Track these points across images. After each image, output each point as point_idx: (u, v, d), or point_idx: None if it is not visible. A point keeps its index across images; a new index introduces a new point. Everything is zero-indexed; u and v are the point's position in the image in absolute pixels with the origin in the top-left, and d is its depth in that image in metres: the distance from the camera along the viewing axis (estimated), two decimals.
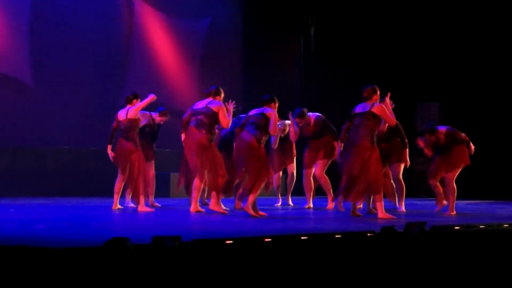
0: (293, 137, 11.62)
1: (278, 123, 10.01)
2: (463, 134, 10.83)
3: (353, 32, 16.57)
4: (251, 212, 9.37)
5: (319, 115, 11.61)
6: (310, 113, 11.61)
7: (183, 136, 10.11)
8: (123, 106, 10.66)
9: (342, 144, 9.74)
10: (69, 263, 4.76)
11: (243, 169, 9.63)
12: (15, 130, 13.89)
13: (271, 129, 9.51)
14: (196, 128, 9.89)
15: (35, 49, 14.11)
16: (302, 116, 11.44)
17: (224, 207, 10.14)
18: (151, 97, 10.52)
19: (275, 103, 9.69)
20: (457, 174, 10.77)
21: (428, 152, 10.91)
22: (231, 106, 10.08)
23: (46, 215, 9.66)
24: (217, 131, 10.29)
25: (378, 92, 9.66)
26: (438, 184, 10.94)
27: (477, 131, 15.38)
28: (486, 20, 15.89)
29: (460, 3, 16.09)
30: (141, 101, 10.55)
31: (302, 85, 15.89)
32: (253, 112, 9.68)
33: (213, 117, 9.89)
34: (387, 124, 9.95)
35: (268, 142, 10.33)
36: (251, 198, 9.38)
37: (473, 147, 10.79)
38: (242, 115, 10.53)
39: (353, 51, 16.41)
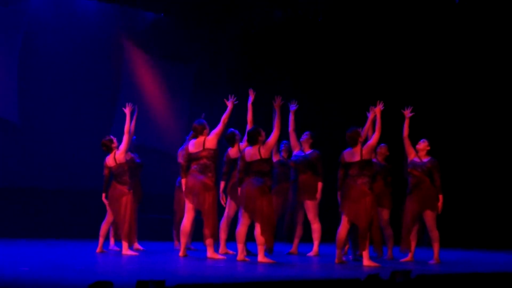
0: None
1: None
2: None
3: (340, 74, 16.80)
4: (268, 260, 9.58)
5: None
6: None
7: (183, 181, 10.10)
8: (105, 153, 10.65)
9: (340, 193, 9.80)
10: None
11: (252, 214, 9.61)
12: (1, 169, 13.86)
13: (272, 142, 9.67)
14: (201, 173, 9.92)
15: (23, 88, 14.14)
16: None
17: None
18: (126, 136, 10.55)
19: (260, 135, 9.72)
20: (433, 218, 10.63)
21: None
22: (231, 103, 10.14)
23: (30, 256, 9.60)
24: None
25: (361, 133, 9.78)
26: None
27: (458, 177, 15.53)
28: (466, 64, 16.06)
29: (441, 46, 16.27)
30: (118, 143, 10.61)
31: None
32: (248, 151, 9.65)
33: (215, 157, 10.01)
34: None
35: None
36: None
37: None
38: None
39: (341, 90, 16.64)
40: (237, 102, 10.26)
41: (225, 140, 10.74)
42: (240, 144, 10.62)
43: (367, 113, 10.21)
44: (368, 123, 10.22)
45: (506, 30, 15.54)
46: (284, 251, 11.67)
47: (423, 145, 10.73)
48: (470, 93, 16.06)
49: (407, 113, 10.69)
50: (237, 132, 10.77)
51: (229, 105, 10.17)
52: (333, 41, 16.91)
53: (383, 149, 11.26)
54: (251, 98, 10.57)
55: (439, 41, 16.22)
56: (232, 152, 10.75)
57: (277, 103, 9.90)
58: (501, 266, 10.27)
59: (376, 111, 9.97)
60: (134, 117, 10.91)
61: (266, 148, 9.60)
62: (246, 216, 9.66)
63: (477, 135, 15.95)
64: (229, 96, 10.25)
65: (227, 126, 10.32)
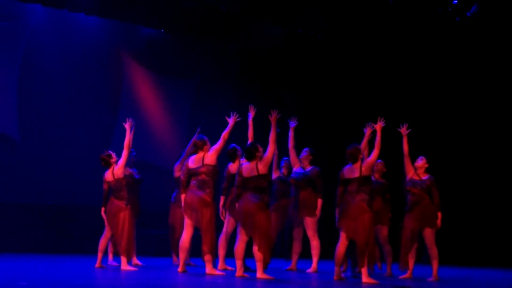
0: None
1: None
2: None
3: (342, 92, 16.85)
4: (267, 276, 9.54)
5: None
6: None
7: (182, 197, 10.11)
8: (104, 168, 10.66)
9: (338, 209, 9.77)
10: None
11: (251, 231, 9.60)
12: (0, 184, 13.86)
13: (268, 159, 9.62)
14: (200, 189, 9.92)
15: (22, 103, 14.17)
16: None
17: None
18: (126, 151, 10.55)
19: (258, 151, 9.72)
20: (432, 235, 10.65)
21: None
22: (233, 119, 10.15)
23: (28, 271, 9.58)
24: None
25: (361, 150, 9.79)
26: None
27: (457, 195, 15.54)
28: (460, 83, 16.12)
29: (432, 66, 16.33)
30: (117, 158, 10.63)
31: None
32: (246, 167, 9.65)
33: (214, 173, 10.00)
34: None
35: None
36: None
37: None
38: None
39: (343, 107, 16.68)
40: (239, 119, 10.28)
41: (227, 155, 10.76)
42: (241, 160, 10.64)
43: (364, 129, 10.23)
44: (365, 140, 10.23)
45: (501, 49, 15.61)
46: (283, 267, 11.66)
47: (421, 162, 10.75)
48: (467, 110, 16.10)
49: (404, 130, 10.71)
50: (238, 148, 10.79)
51: (230, 121, 10.18)
52: (332, 58, 16.98)
53: (379, 165, 11.27)
54: (251, 114, 10.59)
55: (437, 58, 16.28)
56: (233, 167, 10.77)
57: (273, 117, 9.90)
58: (499, 284, 10.26)
59: (376, 128, 9.97)
60: (132, 132, 10.90)
61: (264, 163, 9.59)
62: (243, 232, 9.65)
63: (474, 152, 15.98)
64: (231, 113, 10.26)
65: (227, 142, 10.33)
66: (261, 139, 10.33)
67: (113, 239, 10.64)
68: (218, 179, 10.21)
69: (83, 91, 14.92)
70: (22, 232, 13.89)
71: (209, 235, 9.90)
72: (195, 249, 11.21)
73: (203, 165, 9.98)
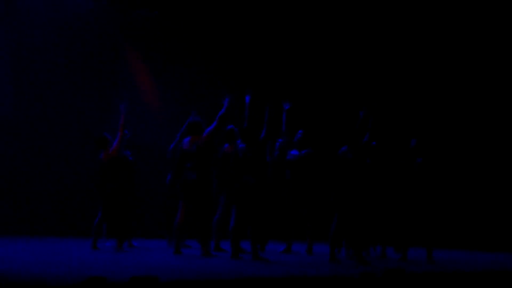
0: None
1: None
2: None
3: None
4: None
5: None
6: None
7: (178, 179, 10.13)
8: (99, 151, 10.66)
9: (333, 191, 9.80)
10: None
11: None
12: None
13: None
14: (195, 171, 9.93)
15: (18, 85, 14.14)
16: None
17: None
18: (120, 133, 10.54)
19: (254, 134, 9.73)
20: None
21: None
22: (227, 102, 10.16)
23: (25, 252, 9.60)
24: None
25: (356, 134, 9.84)
26: None
27: (450, 179, 15.56)
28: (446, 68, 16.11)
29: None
30: (112, 140, 10.63)
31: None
32: (242, 149, 9.66)
33: (209, 155, 10.00)
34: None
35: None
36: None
37: None
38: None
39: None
40: (234, 102, 10.28)
41: (224, 137, 10.77)
42: (237, 142, 10.65)
43: (360, 112, 10.25)
44: (361, 123, 10.22)
45: (488, 34, 15.59)
46: (278, 249, 11.69)
47: (413, 146, 10.78)
48: (457, 92, 16.07)
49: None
50: (236, 129, 10.79)
51: (225, 104, 10.19)
52: (325, 42, 16.95)
53: (372, 148, 11.30)
54: (248, 97, 10.60)
55: (426, 43, 16.25)
56: (229, 149, 10.77)
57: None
58: (492, 266, 10.31)
59: (370, 112, 10.01)
60: (126, 114, 10.87)
61: (261, 147, 9.63)
62: (238, 214, 9.67)
63: (467, 138, 15.98)
64: (226, 96, 10.26)
65: (223, 125, 10.32)
66: (256, 121, 10.34)
67: (108, 221, 10.64)
68: (213, 161, 10.22)
69: (78, 73, 14.86)
70: (16, 215, 13.87)
71: (204, 217, 9.91)
72: (190, 231, 11.23)
73: (198, 147, 9.98)
